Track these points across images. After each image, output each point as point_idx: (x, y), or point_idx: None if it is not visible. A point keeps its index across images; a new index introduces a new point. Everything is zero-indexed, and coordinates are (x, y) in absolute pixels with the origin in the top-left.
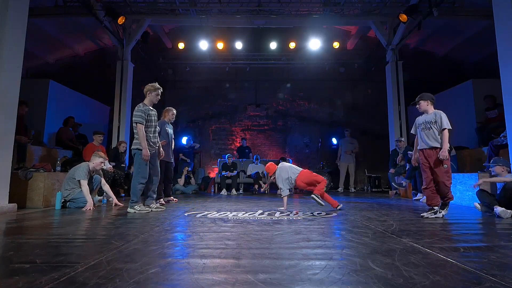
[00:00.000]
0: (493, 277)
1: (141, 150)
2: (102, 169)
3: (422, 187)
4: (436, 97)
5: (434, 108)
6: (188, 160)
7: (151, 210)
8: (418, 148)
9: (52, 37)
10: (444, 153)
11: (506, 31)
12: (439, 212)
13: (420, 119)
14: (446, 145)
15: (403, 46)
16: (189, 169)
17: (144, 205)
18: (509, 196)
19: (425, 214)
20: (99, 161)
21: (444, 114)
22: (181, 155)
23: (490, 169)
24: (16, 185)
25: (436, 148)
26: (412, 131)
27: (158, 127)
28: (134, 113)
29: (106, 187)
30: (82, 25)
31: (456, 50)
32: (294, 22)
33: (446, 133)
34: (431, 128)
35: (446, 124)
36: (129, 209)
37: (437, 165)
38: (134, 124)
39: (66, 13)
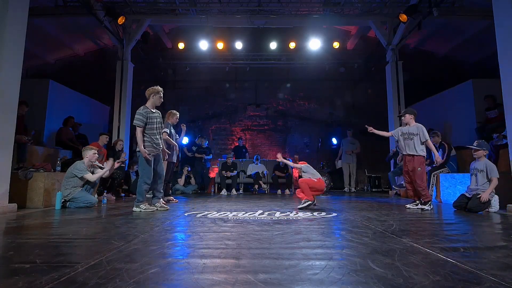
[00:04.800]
0: (493, 277)
1: None
2: (101, 167)
3: (404, 184)
4: (436, 97)
5: (415, 122)
6: (205, 156)
7: (156, 209)
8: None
9: (52, 37)
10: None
11: (506, 31)
12: (421, 205)
13: (404, 129)
14: (424, 153)
15: (403, 46)
16: (189, 169)
17: (151, 204)
18: None
19: (408, 205)
20: (91, 152)
21: (424, 128)
22: (196, 154)
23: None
24: (16, 185)
25: (413, 155)
26: (395, 136)
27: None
28: (135, 116)
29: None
30: (82, 25)
31: (456, 50)
32: (294, 22)
33: (429, 143)
34: (413, 139)
35: (427, 136)
36: (134, 208)
37: (413, 169)
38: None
39: (66, 13)
